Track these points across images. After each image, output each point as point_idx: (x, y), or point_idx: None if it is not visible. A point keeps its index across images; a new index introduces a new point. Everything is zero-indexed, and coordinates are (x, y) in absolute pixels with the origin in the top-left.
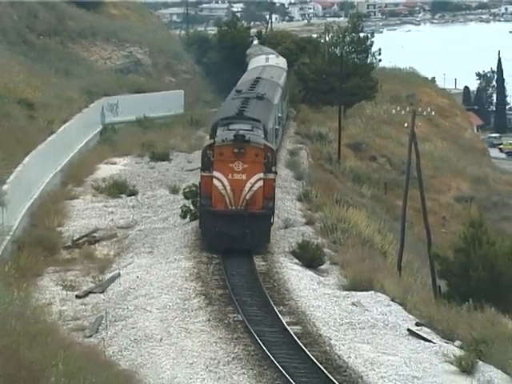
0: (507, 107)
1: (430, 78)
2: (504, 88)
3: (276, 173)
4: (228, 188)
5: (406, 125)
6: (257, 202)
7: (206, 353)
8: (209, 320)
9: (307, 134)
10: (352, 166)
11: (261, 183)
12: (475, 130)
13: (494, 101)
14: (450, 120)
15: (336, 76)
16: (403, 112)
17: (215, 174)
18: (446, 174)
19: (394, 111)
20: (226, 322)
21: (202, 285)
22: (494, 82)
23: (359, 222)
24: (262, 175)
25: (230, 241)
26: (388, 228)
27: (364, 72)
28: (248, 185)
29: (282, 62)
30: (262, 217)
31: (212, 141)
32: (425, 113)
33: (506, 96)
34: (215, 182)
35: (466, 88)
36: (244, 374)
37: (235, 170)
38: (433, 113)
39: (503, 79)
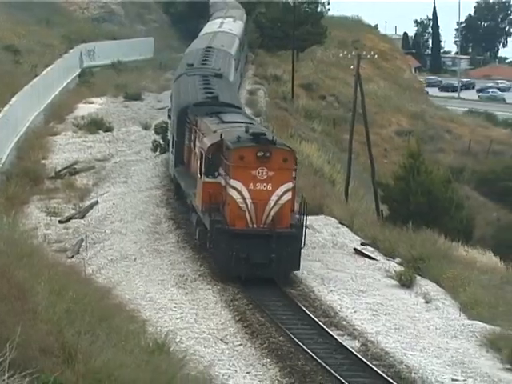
0: (441, 51)
1: (372, 25)
2: (438, 34)
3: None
4: (249, 201)
5: (351, 67)
6: (284, 219)
7: (175, 271)
8: (177, 242)
9: (264, 76)
10: (304, 104)
11: (289, 195)
12: (413, 72)
13: (430, 45)
14: (390, 62)
15: (289, 24)
16: (349, 56)
17: (232, 182)
18: (387, 111)
19: (341, 55)
20: (193, 243)
21: (171, 211)
22: (430, 29)
23: (311, 153)
24: (290, 185)
25: (252, 268)
26: (336, 159)
27: (314, 20)
28: (274, 197)
29: (237, 24)
30: (291, 238)
31: (217, 138)
32: (368, 56)
33: (440, 41)
34: (232, 192)
35: (405, 34)
36: (209, 289)
37: (258, 178)
38: (375, 56)
39: (438, 26)
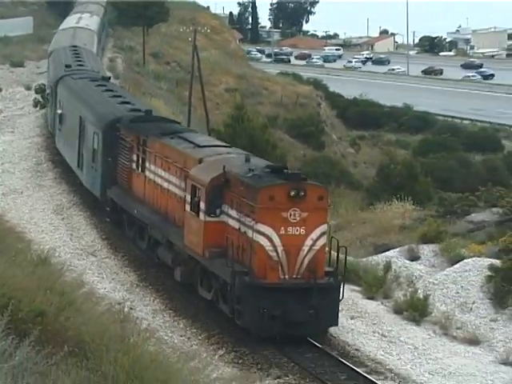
0: (259, 26)
1: (205, 6)
2: (256, 12)
3: None
4: (280, 249)
5: (189, 39)
6: (319, 268)
7: (54, 201)
8: (55, 178)
9: (121, 47)
10: (153, 69)
11: (324, 239)
12: (237, 42)
13: (250, 21)
14: (220, 35)
15: (141, 5)
16: (188, 30)
17: (260, 227)
18: (218, 73)
19: (181, 30)
20: (67, 178)
21: (49, 153)
22: (250, 9)
23: (159, 107)
24: (325, 227)
25: (287, 327)
26: (179, 111)
27: (160, 3)
28: (308, 242)
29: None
30: (330, 289)
31: (218, 171)
32: (202, 31)
33: (257, 18)
34: (260, 239)
35: (231, 13)
36: (80, 215)
37: (290, 221)
38: (208, 31)
39: (256, 6)
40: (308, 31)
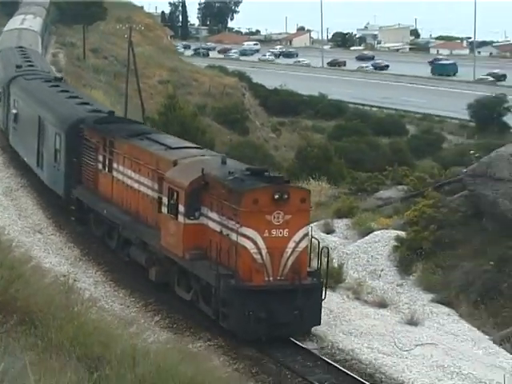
0: (188, 23)
1: (140, 6)
2: (186, 11)
3: None
4: (264, 251)
5: (125, 36)
6: (303, 269)
7: (3, 184)
8: (4, 163)
9: (63, 43)
10: (92, 63)
11: (306, 241)
12: (169, 38)
13: (180, 19)
14: (153, 32)
15: (81, 5)
16: (124, 28)
17: (245, 230)
18: (152, 66)
19: (118, 27)
20: (16, 164)
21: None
22: (180, 8)
23: (98, 98)
24: (308, 229)
25: (273, 328)
26: (116, 102)
27: (98, 3)
28: (291, 244)
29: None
30: (312, 291)
31: (197, 174)
32: (137, 28)
33: (187, 16)
34: (244, 242)
35: (163, 12)
36: (28, 196)
37: (274, 223)
38: (142, 28)
39: (185, 5)
40: (233, 28)
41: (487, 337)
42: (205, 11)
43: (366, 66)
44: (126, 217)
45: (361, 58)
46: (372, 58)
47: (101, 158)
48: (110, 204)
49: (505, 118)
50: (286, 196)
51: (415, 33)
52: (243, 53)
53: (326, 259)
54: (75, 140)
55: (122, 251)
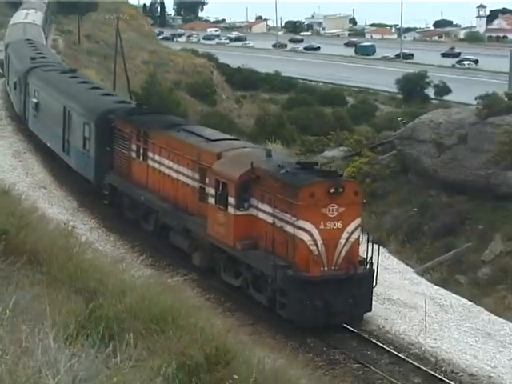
0: (166, 13)
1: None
2: (164, 3)
3: None
4: (319, 243)
5: (114, 24)
6: (355, 259)
7: (13, 148)
8: (13, 130)
9: (62, 30)
10: (86, 47)
11: (358, 232)
12: (149, 26)
13: (159, 10)
14: (136, 21)
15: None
16: (112, 17)
17: (302, 223)
18: (136, 49)
19: (107, 17)
20: (23, 130)
21: (9, 112)
22: (159, 0)
23: (92, 76)
24: (360, 220)
25: (330, 316)
26: (107, 79)
27: None
28: (344, 235)
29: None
30: (364, 279)
31: (246, 167)
32: (123, 18)
33: (164, 7)
34: (301, 234)
35: (145, 4)
36: (33, 158)
37: (329, 216)
38: (128, 18)
39: None
40: (203, 17)
41: (412, 269)
42: (180, 3)
43: (297, 47)
44: (165, 204)
45: (293, 41)
46: (302, 41)
47: (134, 147)
48: (146, 190)
49: (426, 91)
50: (340, 190)
51: (353, 21)
52: (207, 37)
53: (376, 248)
54: (105, 129)
55: (158, 235)
